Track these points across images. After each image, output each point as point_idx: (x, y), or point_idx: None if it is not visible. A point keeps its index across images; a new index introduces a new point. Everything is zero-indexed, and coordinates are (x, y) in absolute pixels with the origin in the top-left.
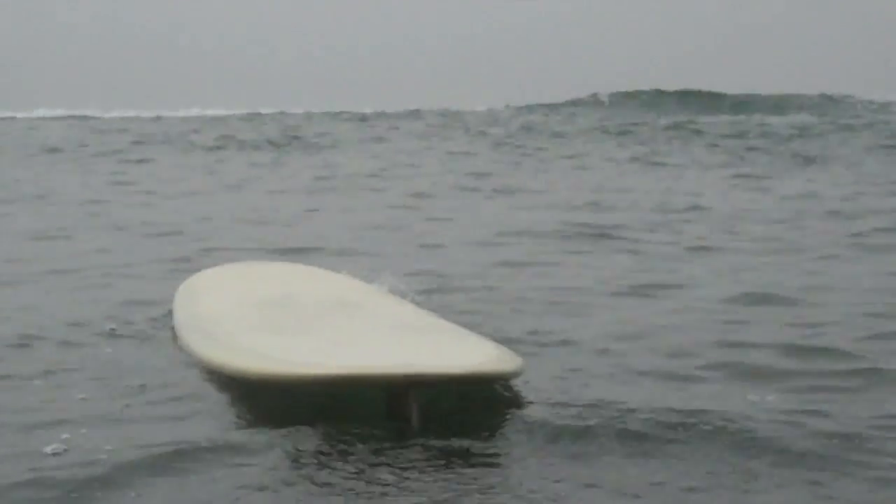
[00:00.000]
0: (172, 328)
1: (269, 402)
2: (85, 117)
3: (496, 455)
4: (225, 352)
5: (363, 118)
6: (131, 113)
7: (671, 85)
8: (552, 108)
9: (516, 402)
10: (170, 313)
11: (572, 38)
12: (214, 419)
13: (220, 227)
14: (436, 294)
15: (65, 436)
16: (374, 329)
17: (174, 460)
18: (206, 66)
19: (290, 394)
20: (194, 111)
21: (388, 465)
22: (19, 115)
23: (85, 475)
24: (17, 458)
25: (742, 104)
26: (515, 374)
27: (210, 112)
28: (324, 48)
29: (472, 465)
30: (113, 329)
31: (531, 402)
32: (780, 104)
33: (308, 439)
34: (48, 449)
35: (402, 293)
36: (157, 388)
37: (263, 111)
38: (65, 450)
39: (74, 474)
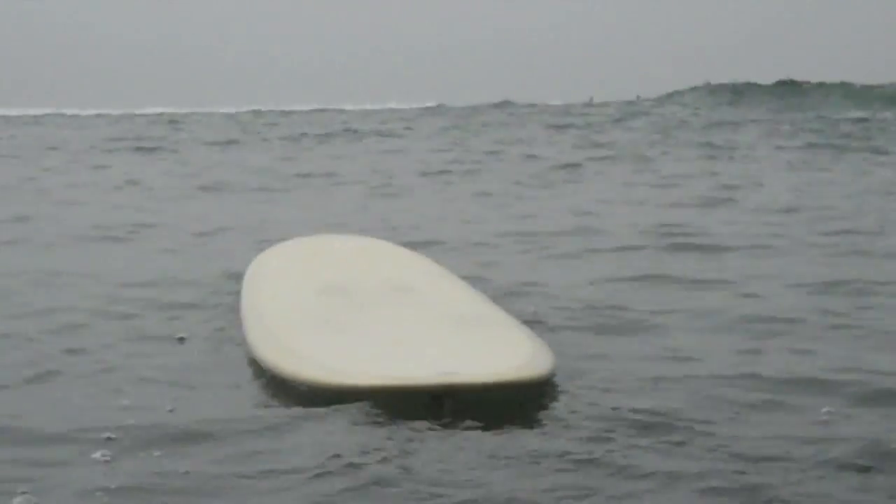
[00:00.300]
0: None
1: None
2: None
3: (523, 446)
4: (275, 353)
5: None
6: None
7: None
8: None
9: (550, 394)
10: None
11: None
12: (256, 417)
13: None
14: None
15: (108, 434)
16: (421, 322)
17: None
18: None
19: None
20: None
21: (416, 452)
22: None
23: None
24: (67, 453)
25: None
26: (548, 378)
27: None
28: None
29: (500, 455)
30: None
31: (565, 394)
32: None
33: (343, 426)
34: (97, 454)
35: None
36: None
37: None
38: (112, 457)
39: (121, 473)
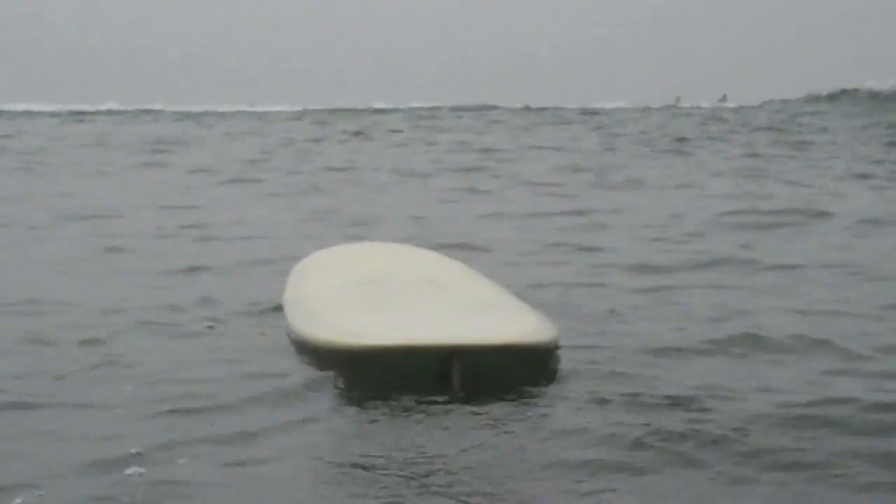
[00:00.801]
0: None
1: (339, 371)
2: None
3: (526, 420)
4: (305, 325)
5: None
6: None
7: None
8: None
9: (554, 371)
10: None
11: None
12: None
13: None
14: None
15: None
16: (445, 306)
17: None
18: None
19: (357, 364)
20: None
21: (432, 426)
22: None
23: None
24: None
25: None
26: (551, 346)
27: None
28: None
29: (504, 429)
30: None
31: (569, 372)
32: None
33: (367, 404)
34: (127, 472)
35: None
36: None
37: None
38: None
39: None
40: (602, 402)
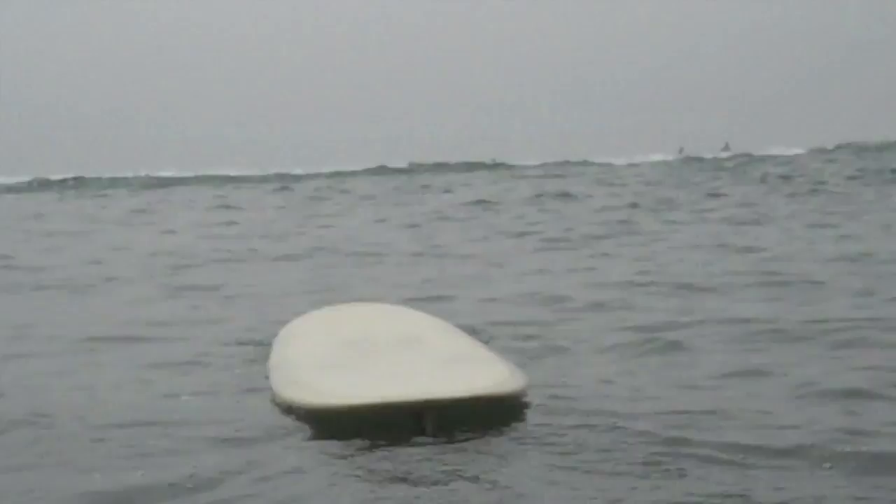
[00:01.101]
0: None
1: (318, 424)
2: None
3: (500, 462)
4: (288, 388)
5: None
6: None
7: None
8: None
9: (523, 416)
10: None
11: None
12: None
13: None
14: None
15: None
16: (419, 361)
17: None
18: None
19: (336, 421)
20: None
21: (404, 472)
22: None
23: None
24: None
25: None
26: (519, 395)
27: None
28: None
29: (479, 473)
30: None
31: (538, 416)
32: None
33: (345, 452)
34: None
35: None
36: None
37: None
38: None
39: None
40: (571, 449)
